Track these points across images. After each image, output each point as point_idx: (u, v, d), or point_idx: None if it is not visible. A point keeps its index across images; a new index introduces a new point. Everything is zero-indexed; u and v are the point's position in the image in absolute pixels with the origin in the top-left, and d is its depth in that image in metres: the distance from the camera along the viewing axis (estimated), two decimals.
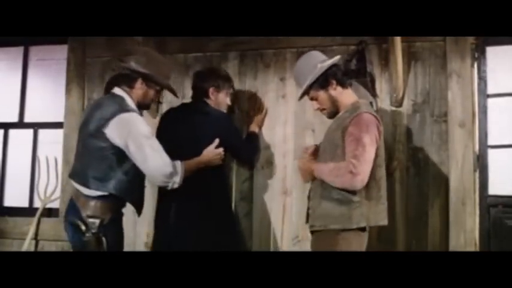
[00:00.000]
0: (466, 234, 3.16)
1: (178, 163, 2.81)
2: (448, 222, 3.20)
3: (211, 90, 3.24)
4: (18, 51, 4.24)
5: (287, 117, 3.53)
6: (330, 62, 2.67)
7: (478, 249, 3.17)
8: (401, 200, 3.29)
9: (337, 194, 2.53)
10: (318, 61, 2.68)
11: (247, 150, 3.45)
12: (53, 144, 4.01)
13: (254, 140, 3.49)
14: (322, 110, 2.75)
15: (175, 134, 3.17)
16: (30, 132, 4.14)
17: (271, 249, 3.46)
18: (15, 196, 4.13)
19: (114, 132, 2.67)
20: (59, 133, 3.96)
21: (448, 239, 3.18)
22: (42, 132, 4.13)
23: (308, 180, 2.77)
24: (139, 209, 2.91)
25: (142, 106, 2.93)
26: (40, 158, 4.05)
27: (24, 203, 4.09)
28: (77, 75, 3.92)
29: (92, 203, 2.68)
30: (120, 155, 2.70)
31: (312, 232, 2.69)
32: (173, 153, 3.00)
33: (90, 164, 2.72)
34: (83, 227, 2.65)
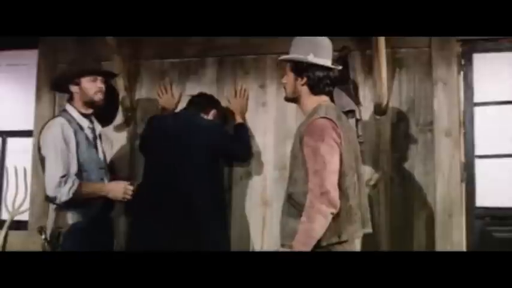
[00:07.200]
0: (452, 246, 3.11)
1: (70, 179, 2.80)
2: (434, 235, 3.14)
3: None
4: None
5: (267, 126, 3.45)
6: (315, 60, 2.45)
7: None
8: (385, 211, 3.23)
9: (300, 210, 2.30)
10: (318, 51, 2.45)
11: (240, 147, 3.33)
12: (22, 153, 3.88)
13: (242, 132, 3.36)
14: (285, 86, 2.59)
15: (165, 144, 3.12)
16: None
17: None
18: None
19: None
20: (28, 142, 3.83)
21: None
22: (10, 141, 4.01)
23: None
24: None
25: (92, 105, 2.98)
26: (8, 168, 3.91)
27: None
28: (48, 80, 3.75)
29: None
30: None
31: None
32: (161, 164, 3.06)
33: None
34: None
